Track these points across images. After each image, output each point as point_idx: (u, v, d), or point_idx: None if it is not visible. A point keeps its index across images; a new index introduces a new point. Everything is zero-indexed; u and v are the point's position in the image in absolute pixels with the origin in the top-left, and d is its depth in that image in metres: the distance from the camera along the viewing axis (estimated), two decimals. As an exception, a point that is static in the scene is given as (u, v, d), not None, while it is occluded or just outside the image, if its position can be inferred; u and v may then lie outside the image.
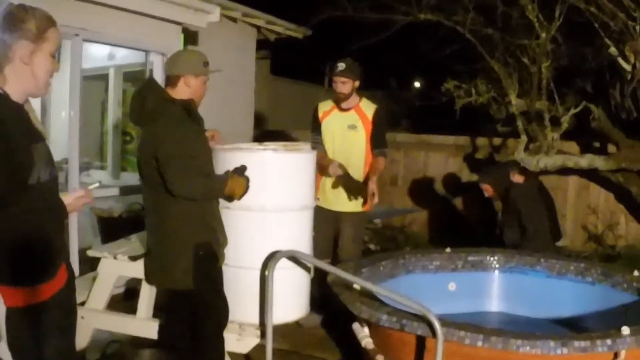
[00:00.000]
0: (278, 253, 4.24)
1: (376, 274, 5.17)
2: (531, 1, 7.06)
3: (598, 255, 7.87)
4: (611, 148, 7.82)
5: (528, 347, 3.60)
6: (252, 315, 4.46)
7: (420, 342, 3.90)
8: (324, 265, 4.53)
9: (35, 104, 2.96)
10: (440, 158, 9.60)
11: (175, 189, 3.74)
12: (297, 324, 5.21)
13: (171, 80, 3.97)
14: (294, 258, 4.45)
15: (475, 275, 5.72)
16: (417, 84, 23.48)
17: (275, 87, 14.02)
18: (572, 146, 8.22)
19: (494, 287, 5.75)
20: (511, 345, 3.61)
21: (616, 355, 3.65)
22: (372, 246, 8.55)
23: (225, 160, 4.30)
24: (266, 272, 4.20)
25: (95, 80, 7.81)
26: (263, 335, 4.34)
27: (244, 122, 9.93)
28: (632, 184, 7.58)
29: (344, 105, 5.75)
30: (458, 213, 9.20)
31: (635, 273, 5.14)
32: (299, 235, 4.65)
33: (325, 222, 5.63)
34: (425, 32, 8.82)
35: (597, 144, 8.13)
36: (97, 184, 3.04)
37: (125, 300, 5.50)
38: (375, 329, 4.26)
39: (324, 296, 5.00)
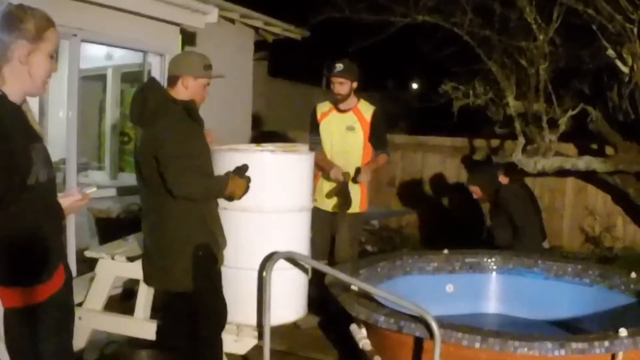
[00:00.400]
0: (275, 254, 4.24)
1: (374, 276, 5.17)
2: (529, 3, 7.07)
3: (595, 257, 7.87)
4: (609, 150, 7.83)
5: (525, 349, 3.60)
6: (250, 316, 4.46)
7: (418, 343, 3.90)
8: (322, 266, 4.53)
9: (33, 104, 2.96)
10: (437, 159, 9.60)
11: (175, 189, 3.73)
12: (294, 325, 5.21)
13: (171, 80, 3.98)
14: (292, 259, 4.45)
15: (473, 277, 5.72)
16: (415, 86, 23.49)
17: (272, 88, 14.01)
18: (570, 148, 8.23)
19: (492, 288, 5.76)
20: (509, 346, 3.62)
21: (614, 357, 3.65)
22: (369, 247, 8.55)
23: (223, 161, 4.29)
24: (264, 273, 4.20)
25: (93, 80, 7.81)
26: (260, 336, 4.33)
27: (241, 123, 9.93)
28: (629, 186, 7.60)
29: (342, 106, 5.75)
30: (453, 214, 9.19)
31: (633, 275, 5.15)
32: (296, 237, 4.65)
33: (323, 223, 5.65)
34: (423, 33, 8.82)
35: (594, 146, 8.14)
36: (94, 189, 3.03)
37: (122, 300, 5.50)
38: (373, 331, 4.26)
39: (322, 297, 5.00)
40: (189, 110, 3.89)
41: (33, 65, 2.56)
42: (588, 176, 8.03)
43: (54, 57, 2.66)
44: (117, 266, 4.59)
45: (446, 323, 3.83)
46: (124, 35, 6.46)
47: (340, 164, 5.66)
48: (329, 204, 5.72)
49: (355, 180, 5.64)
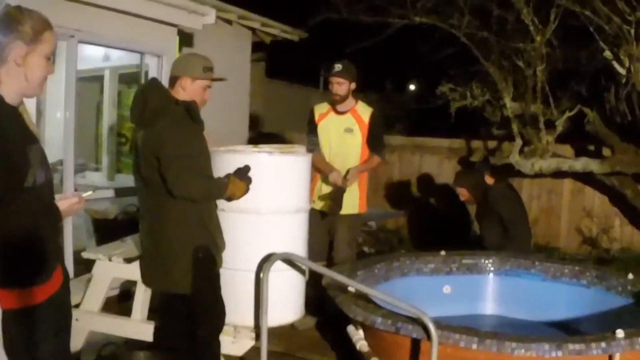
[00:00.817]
0: (273, 255, 4.24)
1: (371, 277, 5.18)
2: (527, 5, 7.08)
3: (593, 258, 7.89)
4: (606, 151, 7.85)
5: (523, 350, 3.60)
6: (247, 318, 4.46)
7: (415, 345, 3.91)
8: (319, 267, 4.52)
9: (31, 105, 2.96)
10: (435, 161, 9.61)
11: (175, 189, 3.72)
12: (292, 327, 5.20)
13: (170, 81, 4.00)
14: (289, 260, 4.45)
15: (470, 278, 5.73)
16: (412, 87, 23.49)
17: (270, 90, 14.01)
18: (567, 149, 8.25)
19: (489, 290, 5.76)
20: (506, 348, 3.62)
21: (611, 358, 3.66)
22: (366, 249, 8.55)
23: (221, 162, 4.29)
24: (261, 275, 4.20)
25: (91, 81, 7.80)
26: (258, 337, 4.33)
27: (239, 124, 9.92)
28: (626, 187, 7.61)
29: (340, 108, 5.75)
30: (447, 215, 9.19)
31: (630, 276, 5.16)
32: (294, 238, 4.65)
33: (321, 225, 5.64)
34: (421, 35, 8.83)
35: (591, 147, 8.15)
36: (90, 192, 3.03)
37: (120, 302, 5.49)
38: (370, 332, 4.26)
39: (319, 299, 4.99)
40: (190, 111, 3.88)
41: (29, 67, 2.56)
42: (585, 177, 8.05)
43: (51, 59, 2.65)
44: (115, 267, 4.59)
45: (443, 324, 3.84)
46: (121, 37, 6.45)
47: (337, 165, 5.65)
48: (326, 206, 5.71)
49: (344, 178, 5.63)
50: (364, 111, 5.78)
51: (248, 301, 4.44)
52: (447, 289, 5.68)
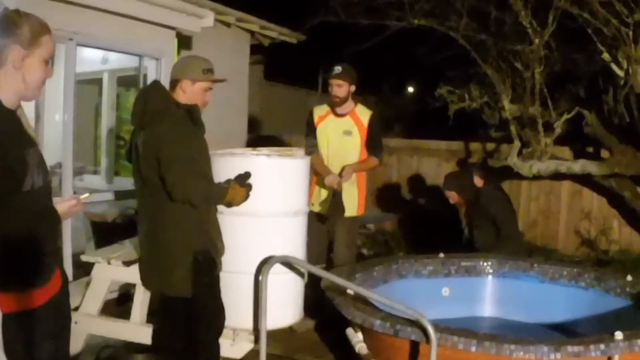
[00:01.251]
0: (272, 258, 4.24)
1: (370, 279, 5.17)
2: (524, 7, 7.08)
3: (591, 260, 7.89)
4: (604, 153, 7.84)
5: (521, 352, 3.61)
6: (246, 320, 4.47)
7: (414, 347, 3.91)
8: (318, 270, 4.52)
9: (29, 108, 2.95)
10: (433, 163, 9.61)
11: (175, 192, 3.71)
12: (290, 329, 5.21)
13: (171, 84, 4.00)
14: (288, 263, 4.45)
15: (468, 280, 5.73)
16: (410, 89, 23.50)
17: (268, 92, 14.03)
18: (565, 151, 8.25)
19: (488, 292, 5.77)
20: (504, 350, 3.62)
21: (609, 360, 3.67)
22: (365, 251, 8.55)
23: (219, 165, 4.29)
24: (260, 277, 4.20)
25: (89, 84, 7.81)
26: (257, 340, 4.34)
27: (237, 127, 9.93)
28: (625, 189, 7.61)
29: (339, 110, 5.75)
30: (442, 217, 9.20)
31: (629, 278, 5.16)
32: (292, 241, 4.67)
33: (319, 227, 5.65)
34: (419, 37, 8.83)
35: (590, 149, 8.15)
36: (87, 194, 3.03)
37: (119, 305, 5.49)
38: (369, 334, 4.26)
39: (318, 301, 4.99)
40: (191, 114, 3.88)
41: (27, 70, 2.56)
42: (583, 179, 8.04)
43: (49, 62, 2.65)
44: (113, 270, 4.60)
45: (442, 327, 3.84)
46: (119, 39, 6.45)
47: (335, 168, 5.65)
48: (325, 208, 5.71)
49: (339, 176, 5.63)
50: (363, 114, 5.78)
51: (247, 304, 4.45)
52: (445, 291, 5.68)
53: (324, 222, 5.74)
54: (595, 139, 7.72)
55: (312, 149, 5.67)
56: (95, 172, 7.90)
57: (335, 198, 5.56)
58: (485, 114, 7.97)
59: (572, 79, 8.11)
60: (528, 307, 5.58)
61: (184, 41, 7.71)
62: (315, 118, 5.85)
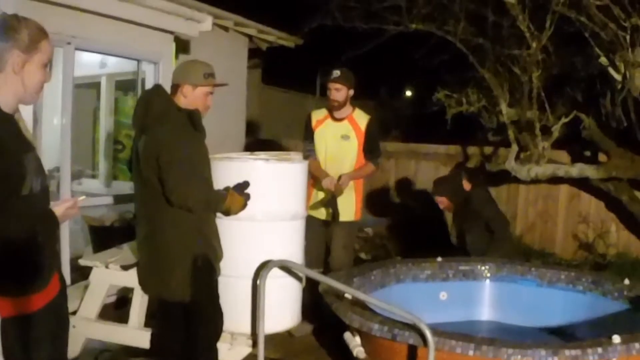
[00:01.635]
0: (270, 262, 4.24)
1: (367, 283, 5.18)
2: (522, 11, 7.09)
3: (589, 263, 7.88)
4: (602, 157, 7.85)
5: (519, 356, 3.61)
6: (244, 324, 4.46)
7: (412, 351, 3.91)
8: (316, 274, 4.53)
9: (27, 112, 2.96)
10: (431, 167, 9.60)
11: (173, 197, 3.71)
12: (288, 333, 5.21)
13: (172, 88, 4.00)
14: (286, 267, 4.45)
15: (466, 284, 5.73)
16: (408, 93, 23.53)
17: (266, 96, 14.03)
18: (563, 155, 8.25)
19: (485, 296, 5.77)
20: (502, 354, 3.62)
21: (607, 363, 3.67)
22: (362, 255, 8.54)
23: (217, 170, 4.29)
24: (258, 282, 4.20)
25: (87, 88, 7.81)
26: (255, 344, 4.34)
27: (236, 131, 9.93)
28: (622, 193, 7.62)
29: (337, 114, 5.75)
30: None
31: (626, 281, 5.17)
32: (290, 245, 4.66)
33: (317, 232, 5.65)
34: (417, 41, 8.84)
35: (587, 153, 8.15)
36: (83, 197, 3.04)
37: (117, 309, 5.49)
38: (367, 338, 4.26)
39: (316, 305, 5.00)
40: (192, 118, 3.89)
41: (27, 75, 2.57)
42: (581, 183, 8.05)
43: (47, 67, 2.66)
44: (112, 274, 4.59)
45: (440, 331, 3.84)
46: (118, 43, 6.45)
47: (332, 172, 5.66)
48: (322, 213, 5.71)
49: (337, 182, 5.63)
50: (361, 118, 5.79)
51: (245, 308, 4.44)
52: (443, 295, 5.68)
53: (323, 226, 5.74)
54: (592, 142, 7.73)
55: (309, 153, 5.68)
56: (93, 176, 7.89)
57: (332, 201, 5.56)
58: (483, 118, 7.98)
59: (569, 82, 8.12)
60: (526, 311, 5.57)
61: (182, 45, 7.72)
62: (313, 122, 5.86)
